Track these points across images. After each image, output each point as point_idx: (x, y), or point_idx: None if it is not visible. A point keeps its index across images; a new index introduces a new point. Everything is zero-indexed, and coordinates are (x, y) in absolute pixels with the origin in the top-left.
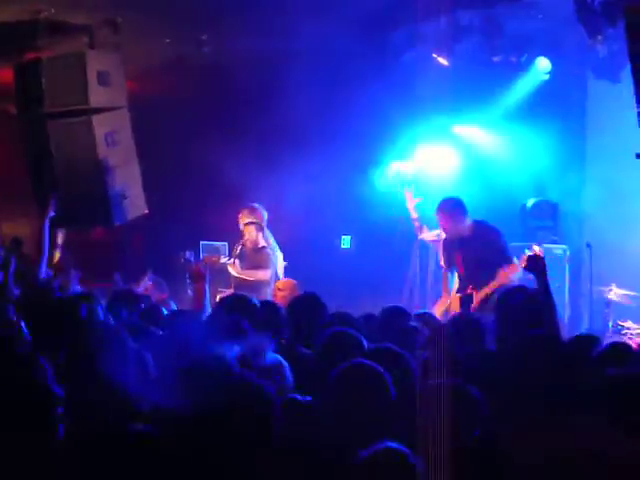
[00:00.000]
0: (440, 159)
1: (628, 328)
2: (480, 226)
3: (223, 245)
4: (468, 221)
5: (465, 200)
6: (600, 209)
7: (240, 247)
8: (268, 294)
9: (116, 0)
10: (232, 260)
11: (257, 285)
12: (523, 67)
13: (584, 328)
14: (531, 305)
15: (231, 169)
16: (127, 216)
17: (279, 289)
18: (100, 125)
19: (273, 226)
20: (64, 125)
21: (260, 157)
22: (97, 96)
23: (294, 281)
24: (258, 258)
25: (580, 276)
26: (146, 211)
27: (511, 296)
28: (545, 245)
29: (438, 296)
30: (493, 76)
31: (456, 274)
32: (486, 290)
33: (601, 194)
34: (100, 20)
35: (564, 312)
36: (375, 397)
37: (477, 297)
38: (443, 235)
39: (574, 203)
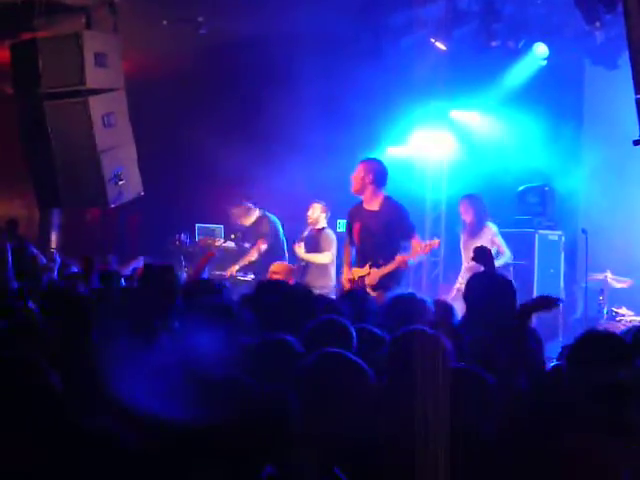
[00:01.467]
0: (437, 143)
1: (622, 315)
2: (389, 202)
3: (219, 228)
4: (377, 190)
5: (463, 184)
6: (596, 195)
7: (307, 231)
8: (333, 276)
9: None
10: (299, 243)
11: (322, 267)
12: (521, 52)
13: (579, 314)
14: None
15: (227, 154)
16: (123, 198)
17: (274, 272)
18: (97, 106)
19: (271, 210)
20: (61, 106)
21: (256, 141)
22: (94, 77)
23: (290, 265)
24: (319, 239)
25: (575, 262)
26: (142, 193)
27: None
28: (540, 231)
29: None
30: (491, 61)
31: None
32: (383, 270)
33: (597, 180)
34: (97, 1)
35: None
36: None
37: (373, 275)
38: None
39: (570, 189)
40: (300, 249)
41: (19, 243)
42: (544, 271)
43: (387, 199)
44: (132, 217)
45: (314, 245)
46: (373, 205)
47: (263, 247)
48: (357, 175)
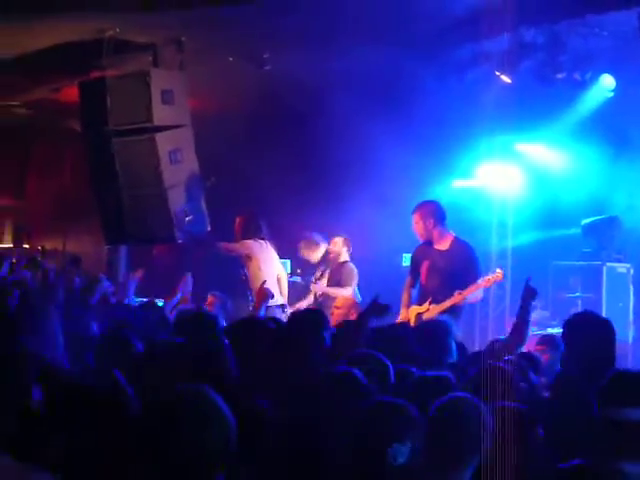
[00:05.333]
0: (503, 176)
1: None
2: (458, 243)
3: (284, 262)
4: (443, 230)
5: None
6: None
7: (325, 268)
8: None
9: (181, 19)
10: (314, 281)
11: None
12: (587, 84)
13: None
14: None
15: (290, 190)
16: (190, 233)
17: (337, 307)
18: (164, 143)
19: None
20: (128, 143)
21: (320, 178)
22: (161, 114)
23: (354, 299)
24: (341, 273)
25: None
26: (208, 228)
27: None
28: (608, 264)
29: None
30: (556, 93)
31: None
32: (442, 306)
33: None
34: (164, 39)
35: (628, 332)
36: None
37: (432, 312)
38: None
39: (638, 221)
40: (316, 287)
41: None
42: (612, 305)
43: (457, 239)
44: (199, 252)
45: (336, 279)
46: (442, 245)
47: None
48: (417, 225)
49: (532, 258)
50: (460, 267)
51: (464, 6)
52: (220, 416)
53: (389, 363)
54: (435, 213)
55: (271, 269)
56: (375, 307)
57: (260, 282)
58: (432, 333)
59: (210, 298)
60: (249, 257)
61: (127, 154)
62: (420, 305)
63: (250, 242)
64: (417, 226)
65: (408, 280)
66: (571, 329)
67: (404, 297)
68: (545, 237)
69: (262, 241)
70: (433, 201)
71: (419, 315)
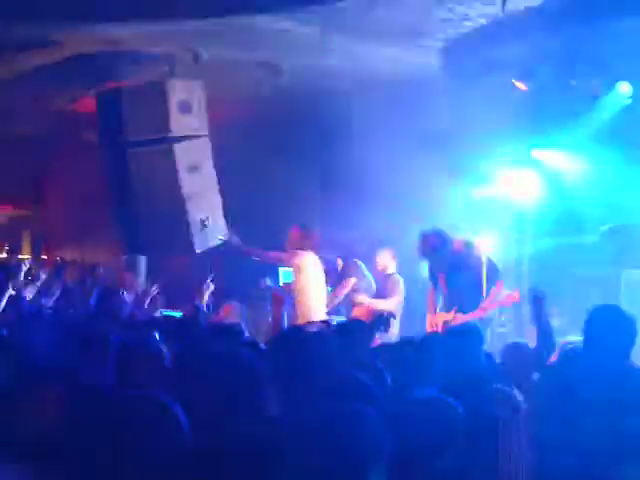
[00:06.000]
0: (520, 184)
1: None
2: (467, 253)
3: None
4: (450, 248)
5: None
6: None
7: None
8: (397, 322)
9: (197, 30)
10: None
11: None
12: (604, 91)
13: None
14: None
15: (309, 199)
16: (208, 244)
17: (355, 317)
18: (181, 153)
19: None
20: (145, 153)
21: (339, 188)
22: (178, 124)
23: (369, 309)
24: (387, 284)
25: None
26: (227, 238)
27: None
28: (627, 270)
29: None
30: (573, 100)
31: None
32: (469, 316)
33: None
34: (181, 49)
35: None
36: None
37: (459, 320)
38: None
39: None
40: (363, 298)
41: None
42: (633, 310)
43: (466, 250)
44: (217, 262)
45: (381, 290)
46: (457, 253)
47: (347, 288)
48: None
49: (550, 265)
50: (479, 275)
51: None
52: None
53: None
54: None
55: (320, 284)
56: (380, 321)
57: (307, 295)
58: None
59: (226, 307)
60: (299, 269)
61: (144, 165)
62: (447, 313)
63: (303, 254)
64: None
65: (430, 287)
66: (590, 321)
67: (429, 303)
68: (563, 244)
69: (314, 255)
70: (431, 233)
71: (445, 322)
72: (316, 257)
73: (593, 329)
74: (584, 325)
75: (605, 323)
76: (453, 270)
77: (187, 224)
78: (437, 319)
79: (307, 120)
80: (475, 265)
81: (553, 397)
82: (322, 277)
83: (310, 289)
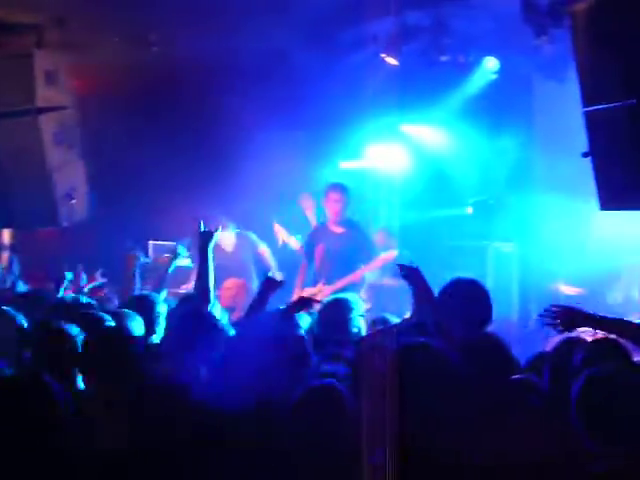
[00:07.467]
0: (390, 158)
1: None
2: (354, 225)
3: (173, 245)
4: (345, 215)
5: (416, 197)
6: (548, 207)
7: None
8: None
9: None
10: None
11: None
12: (471, 66)
13: (532, 326)
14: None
15: (180, 172)
16: (75, 216)
17: (227, 288)
18: (47, 124)
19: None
20: (10, 124)
21: (208, 158)
22: (44, 95)
23: (242, 280)
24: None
25: (529, 274)
26: (94, 211)
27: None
28: (494, 243)
29: None
30: (441, 75)
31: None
32: (334, 286)
33: (549, 192)
34: (48, 19)
35: (513, 311)
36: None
37: (326, 292)
38: None
39: (522, 201)
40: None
41: None
42: (497, 284)
43: (352, 222)
44: (84, 235)
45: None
46: (339, 227)
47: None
48: (338, 204)
49: (421, 238)
50: (355, 248)
51: None
52: None
53: None
54: (349, 198)
55: None
56: (270, 283)
57: None
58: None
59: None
60: None
61: (9, 136)
62: (314, 287)
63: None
64: (337, 205)
65: (303, 263)
66: (445, 293)
67: (298, 280)
68: (434, 217)
69: None
70: (348, 186)
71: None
72: None
73: (446, 300)
74: (438, 296)
75: (458, 295)
76: (334, 242)
77: (53, 197)
78: (304, 294)
79: (177, 92)
80: (356, 238)
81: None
82: None
83: None
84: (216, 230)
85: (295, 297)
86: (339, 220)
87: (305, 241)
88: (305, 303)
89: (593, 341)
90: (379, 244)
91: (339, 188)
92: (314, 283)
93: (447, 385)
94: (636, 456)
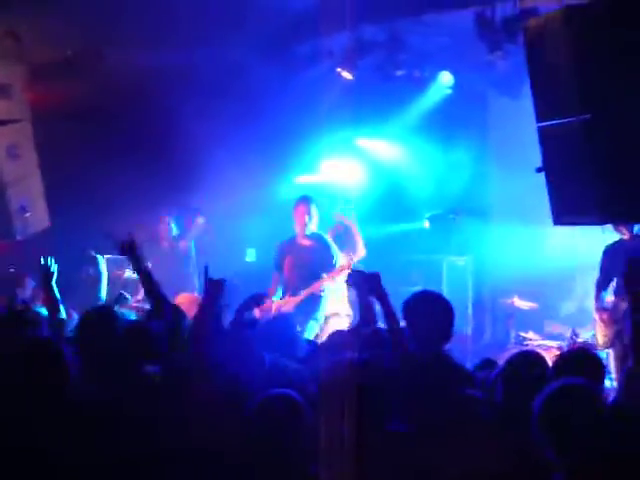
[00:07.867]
0: (345, 172)
1: (530, 339)
2: (320, 238)
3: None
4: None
5: (371, 211)
6: (502, 221)
7: None
8: None
9: (20, 10)
10: None
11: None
12: (426, 81)
13: (487, 339)
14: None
15: (136, 185)
16: (29, 230)
17: (179, 303)
18: (1, 138)
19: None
20: None
21: (164, 172)
22: None
23: (194, 295)
24: None
25: (483, 287)
26: (48, 224)
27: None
28: (448, 257)
29: None
30: (397, 90)
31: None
32: (298, 297)
33: (503, 206)
34: (2, 33)
35: (467, 324)
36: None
37: (291, 303)
38: None
39: (477, 215)
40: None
41: None
42: (452, 297)
43: (318, 236)
44: (39, 249)
45: None
46: (306, 240)
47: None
48: (305, 216)
49: (377, 252)
50: (320, 260)
51: (303, 3)
52: None
53: None
54: (315, 211)
55: None
56: (212, 285)
57: None
58: (275, 328)
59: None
60: None
61: None
62: (282, 299)
63: None
64: (304, 217)
65: (274, 275)
66: (408, 307)
67: (270, 291)
68: (390, 231)
69: None
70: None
71: (279, 308)
72: None
73: (410, 314)
74: (402, 310)
75: (422, 308)
76: (302, 255)
77: (7, 210)
78: (274, 307)
79: (130, 108)
80: (322, 250)
81: None
82: None
83: None
84: (131, 242)
85: (264, 307)
86: (306, 232)
87: (275, 253)
88: (256, 299)
89: (557, 355)
90: (340, 229)
91: (306, 201)
92: (283, 294)
93: (399, 402)
94: (593, 466)
